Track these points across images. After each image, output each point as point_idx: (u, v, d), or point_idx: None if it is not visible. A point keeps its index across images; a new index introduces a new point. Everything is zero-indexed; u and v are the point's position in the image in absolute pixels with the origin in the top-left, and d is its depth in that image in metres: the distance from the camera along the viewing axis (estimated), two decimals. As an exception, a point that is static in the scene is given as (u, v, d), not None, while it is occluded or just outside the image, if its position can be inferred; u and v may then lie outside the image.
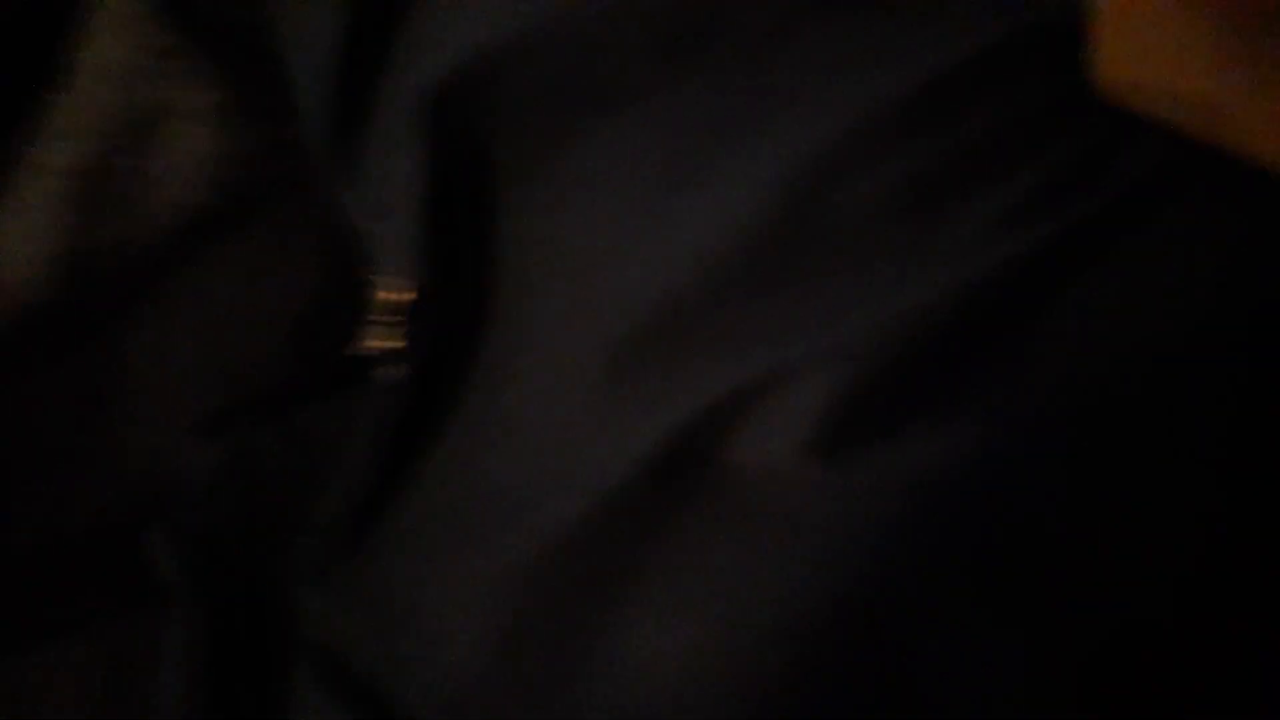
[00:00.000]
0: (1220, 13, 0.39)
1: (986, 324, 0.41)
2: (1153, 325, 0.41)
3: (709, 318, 0.44)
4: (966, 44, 0.45)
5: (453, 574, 0.45)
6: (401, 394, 0.48)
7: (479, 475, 0.47)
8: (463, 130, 0.50)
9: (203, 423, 0.55)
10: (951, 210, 0.43)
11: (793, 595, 0.40)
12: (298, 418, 0.53)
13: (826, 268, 0.44)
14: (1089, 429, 0.40)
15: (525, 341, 0.48)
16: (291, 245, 0.56)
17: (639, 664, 0.41)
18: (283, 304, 0.55)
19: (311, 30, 0.54)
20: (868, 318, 0.42)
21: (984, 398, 0.41)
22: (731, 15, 0.47)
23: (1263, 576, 0.39)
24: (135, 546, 0.51)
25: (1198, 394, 0.40)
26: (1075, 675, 0.39)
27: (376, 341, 0.51)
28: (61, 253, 0.55)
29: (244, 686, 0.48)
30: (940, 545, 0.40)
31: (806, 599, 0.40)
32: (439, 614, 0.45)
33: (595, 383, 0.45)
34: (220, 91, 0.57)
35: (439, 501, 0.47)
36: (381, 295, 0.51)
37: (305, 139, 0.55)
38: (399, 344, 0.50)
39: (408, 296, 0.50)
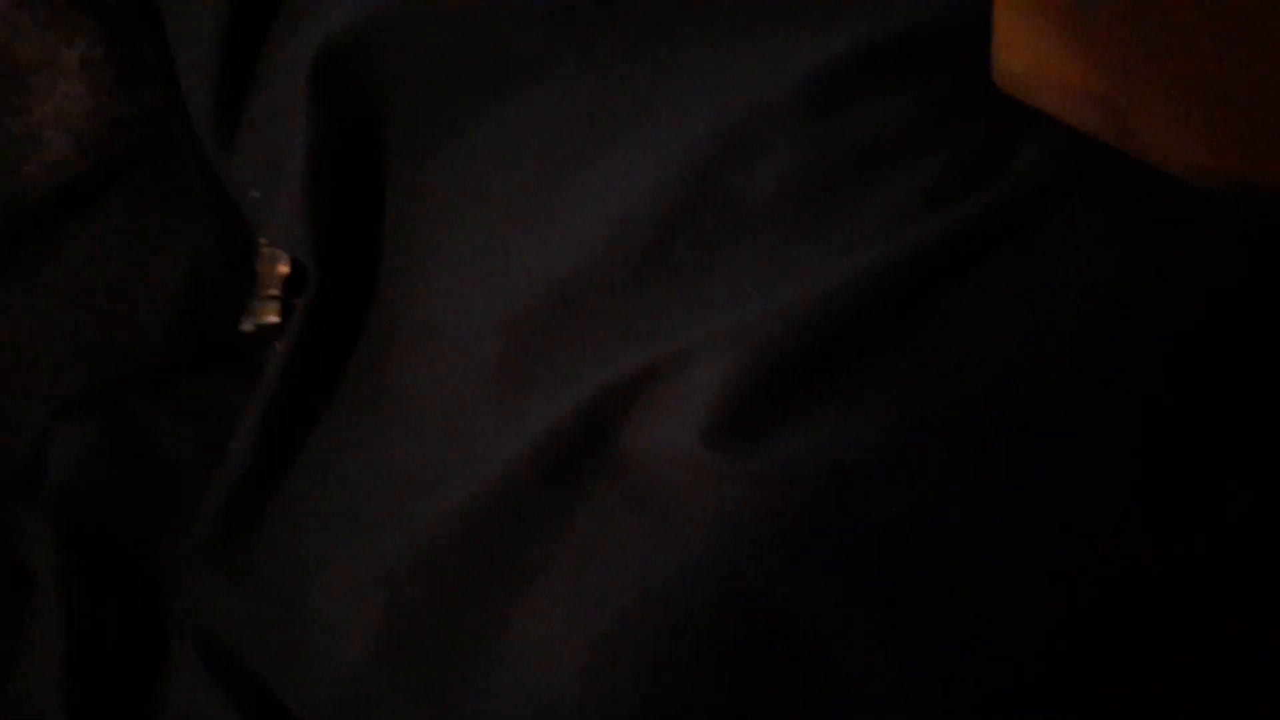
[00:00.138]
0: (1123, 13, 0.39)
1: (885, 313, 0.41)
2: (1049, 317, 0.42)
3: (606, 301, 0.44)
4: (870, 31, 0.45)
5: (344, 560, 0.44)
6: (281, 371, 0.47)
7: (370, 458, 0.46)
8: (352, 99, 0.49)
9: (77, 397, 0.52)
10: (852, 198, 0.43)
11: (694, 583, 0.40)
12: (181, 394, 0.51)
13: (725, 252, 0.43)
14: (983, 421, 0.40)
15: (417, 321, 0.47)
16: (173, 213, 0.54)
17: (540, 656, 0.41)
18: (164, 274, 0.53)
19: None
20: (765, 303, 0.42)
21: (880, 387, 0.41)
22: None
23: (1171, 564, 0.40)
24: (2, 529, 0.49)
25: (1093, 385, 0.41)
26: (953, 675, 0.39)
27: (260, 316, 0.49)
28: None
29: (117, 675, 0.46)
30: (834, 534, 0.40)
31: (707, 587, 0.40)
32: (330, 601, 0.44)
33: (490, 365, 0.45)
34: (95, 47, 0.54)
35: (329, 485, 0.46)
36: (259, 267, 0.49)
37: (187, 102, 0.52)
38: (273, 319, 0.49)
39: (283, 269, 0.49)
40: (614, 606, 0.40)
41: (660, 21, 0.47)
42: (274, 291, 0.49)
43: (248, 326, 0.49)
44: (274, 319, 0.49)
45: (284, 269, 0.49)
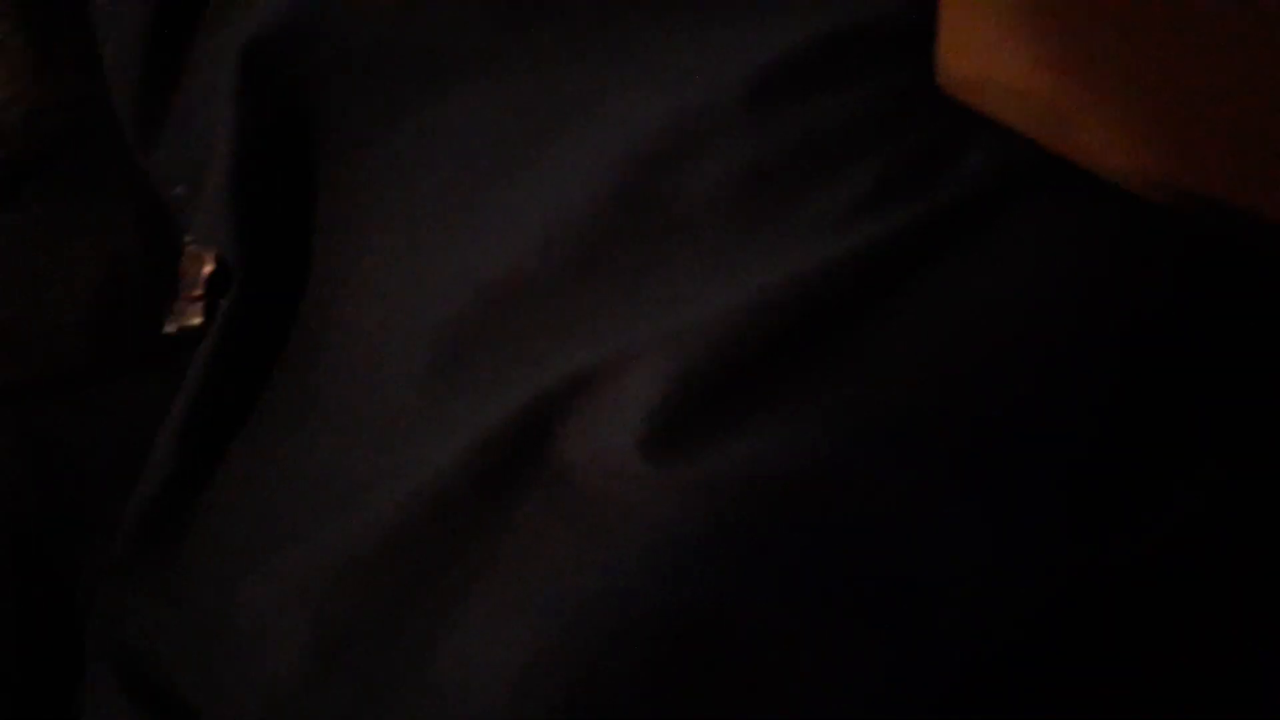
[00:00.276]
0: (1069, 17, 0.39)
1: (825, 317, 0.41)
2: (992, 322, 0.41)
3: (540, 303, 0.43)
4: (811, 30, 0.44)
5: (269, 573, 0.43)
6: (203, 374, 0.45)
7: (296, 466, 0.44)
8: (281, 92, 0.47)
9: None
10: (793, 199, 0.42)
11: (628, 600, 0.39)
12: (97, 398, 0.49)
13: (663, 254, 0.42)
14: (926, 427, 0.40)
15: (346, 323, 0.46)
16: (92, 208, 0.52)
17: (470, 675, 0.40)
18: (81, 271, 0.51)
19: None
20: (704, 307, 0.41)
21: (820, 393, 0.40)
22: None
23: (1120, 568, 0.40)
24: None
25: (1036, 391, 0.40)
26: (898, 684, 0.39)
27: (183, 318, 0.48)
28: None
29: (30, 696, 0.44)
30: (773, 545, 0.39)
31: (641, 603, 0.39)
32: (255, 616, 0.42)
33: (420, 369, 0.43)
34: (14, 33, 0.53)
35: (253, 494, 0.45)
36: (183, 267, 0.48)
37: (110, 92, 0.51)
38: (197, 320, 0.47)
39: (207, 269, 0.47)
40: (545, 624, 0.39)
41: (603, 16, 0.46)
42: (198, 292, 0.47)
43: (170, 328, 0.48)
44: (198, 321, 0.47)
45: (209, 268, 0.47)
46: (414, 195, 0.46)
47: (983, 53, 0.42)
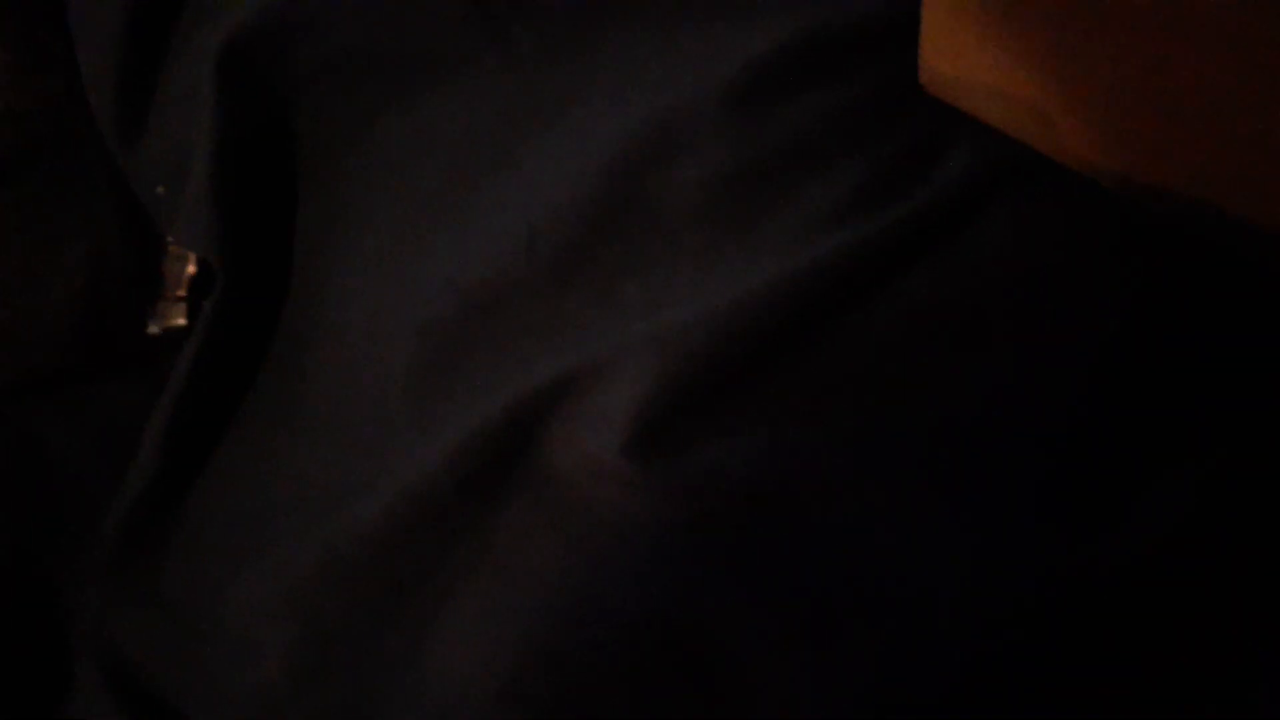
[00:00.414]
0: (1049, 18, 0.39)
1: (806, 321, 0.41)
2: (974, 326, 0.41)
3: (524, 305, 0.43)
4: (790, 31, 0.44)
5: (254, 576, 0.42)
6: (188, 376, 0.45)
7: (280, 469, 0.44)
8: (261, 92, 0.47)
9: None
10: (774, 202, 0.42)
11: (611, 604, 0.39)
12: (80, 400, 0.49)
13: (646, 256, 0.43)
14: (906, 433, 0.40)
15: (328, 325, 0.45)
16: (73, 210, 0.52)
17: (457, 681, 0.39)
18: (63, 273, 0.51)
19: None
20: (685, 311, 0.41)
21: (801, 397, 0.40)
22: None
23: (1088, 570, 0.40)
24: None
25: (1017, 396, 0.40)
26: (872, 692, 0.39)
27: (166, 319, 0.47)
28: None
29: (16, 699, 0.44)
30: (753, 550, 0.39)
31: (624, 608, 0.39)
32: (240, 620, 0.42)
33: (404, 371, 0.43)
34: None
35: (238, 497, 0.44)
36: (166, 268, 0.48)
37: (89, 93, 0.50)
38: (181, 321, 0.47)
39: (190, 270, 0.47)
40: (530, 630, 0.39)
41: (580, 18, 0.46)
42: (181, 293, 0.47)
43: (154, 330, 0.47)
44: (181, 322, 0.47)
45: (191, 270, 0.47)
46: (395, 196, 0.46)
47: (965, 53, 0.42)
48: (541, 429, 0.41)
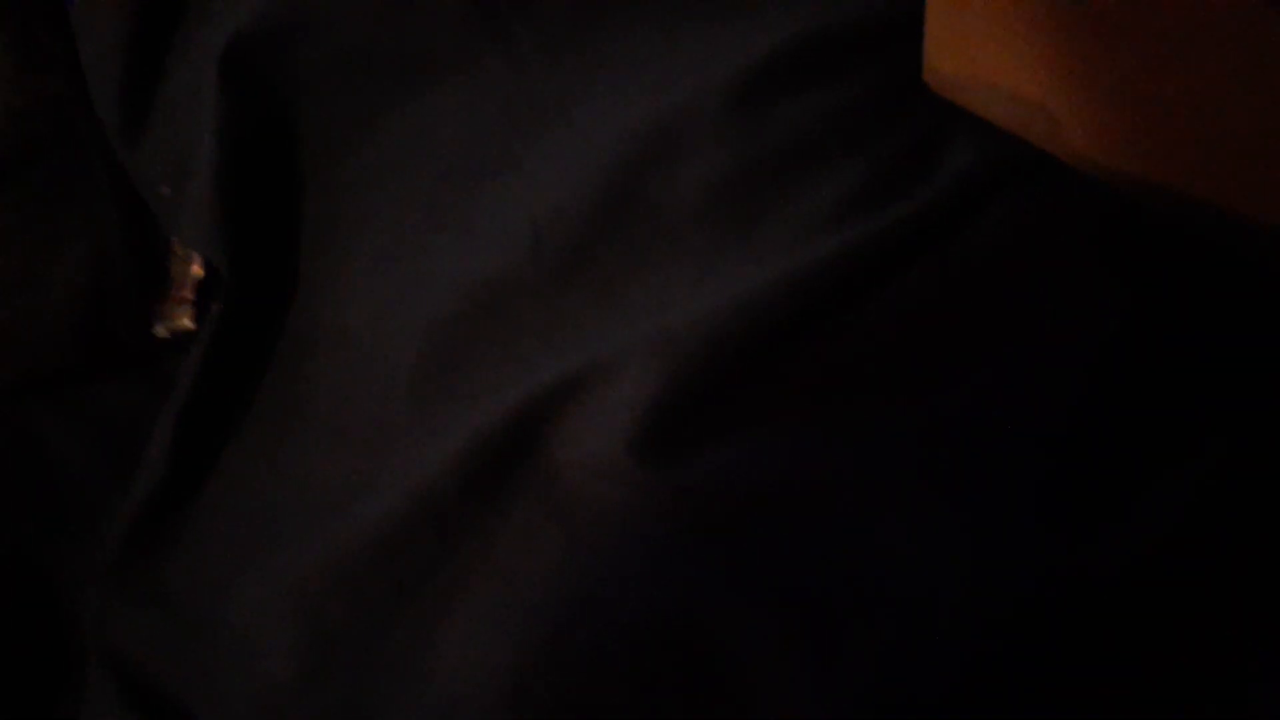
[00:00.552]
0: (1052, 18, 0.39)
1: (809, 318, 0.41)
2: (974, 326, 0.41)
3: (527, 306, 0.43)
4: (791, 31, 0.44)
5: (261, 576, 0.42)
6: (196, 379, 0.45)
7: (286, 469, 0.44)
8: (264, 91, 0.47)
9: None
10: (776, 202, 0.43)
11: (616, 603, 0.39)
12: (81, 400, 0.49)
13: (650, 256, 0.43)
14: (908, 433, 0.40)
15: (334, 326, 0.45)
16: (75, 209, 0.51)
17: (465, 680, 0.39)
18: (64, 272, 0.51)
19: None
20: (690, 310, 0.41)
21: (804, 397, 0.41)
22: None
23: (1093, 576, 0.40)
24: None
25: (1018, 396, 0.41)
26: (872, 690, 0.39)
27: (173, 321, 0.47)
28: None
29: (26, 699, 0.44)
30: (756, 549, 0.39)
31: (629, 607, 0.39)
32: (247, 619, 0.42)
33: (409, 372, 0.43)
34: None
35: (244, 497, 0.44)
36: (171, 269, 0.48)
37: (92, 93, 0.50)
38: (189, 325, 0.47)
39: (196, 271, 0.47)
40: (537, 628, 0.39)
41: (582, 18, 0.46)
42: (187, 295, 0.47)
43: (161, 331, 0.47)
44: (187, 324, 0.47)
45: (198, 271, 0.47)
46: (398, 196, 0.46)
47: (969, 52, 0.42)
48: (546, 429, 0.41)
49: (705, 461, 0.40)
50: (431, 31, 0.47)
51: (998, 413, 0.40)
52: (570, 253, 0.43)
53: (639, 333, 0.41)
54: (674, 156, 0.43)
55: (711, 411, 0.40)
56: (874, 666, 0.38)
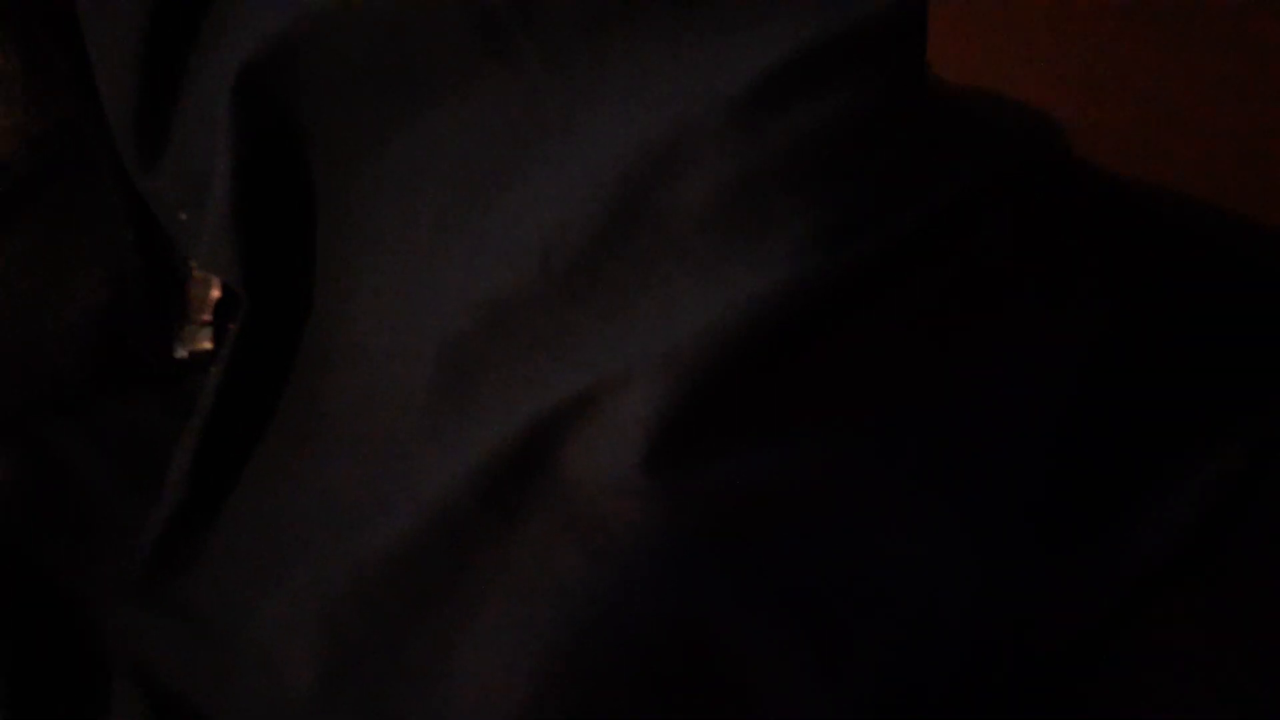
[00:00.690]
0: (1058, 24, 0.39)
1: (815, 329, 0.41)
2: (982, 327, 0.42)
3: (538, 321, 0.43)
4: (795, 41, 0.44)
5: (282, 592, 0.43)
6: (216, 398, 0.46)
7: (305, 487, 0.45)
8: (276, 114, 0.48)
9: (-3, 425, 0.51)
10: (782, 212, 0.43)
11: (631, 615, 0.39)
12: (101, 421, 0.49)
13: (656, 269, 0.43)
14: (917, 441, 0.40)
15: (350, 344, 0.46)
16: (91, 232, 0.52)
17: (482, 692, 0.40)
18: (82, 295, 0.51)
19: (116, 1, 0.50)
20: (697, 323, 0.41)
21: (813, 408, 0.41)
22: (553, 1, 0.46)
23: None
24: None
25: (1022, 404, 0.41)
26: (880, 700, 0.39)
27: (193, 342, 0.48)
28: None
29: (53, 711, 0.45)
30: (767, 561, 0.40)
31: (643, 619, 0.39)
32: (269, 634, 0.43)
33: (425, 389, 0.44)
34: (10, 61, 0.52)
35: (265, 515, 0.45)
36: (190, 292, 0.48)
37: (109, 117, 0.51)
38: (208, 344, 0.47)
39: (215, 294, 0.48)
40: (553, 640, 0.40)
41: (584, 34, 0.46)
42: (206, 317, 0.48)
43: (182, 353, 0.48)
44: (207, 345, 0.47)
45: (216, 293, 0.48)
46: (408, 214, 0.46)
47: (972, 60, 0.43)
48: (560, 445, 0.41)
49: (716, 472, 0.40)
50: (438, 48, 0.47)
51: (1002, 417, 0.41)
52: (578, 267, 0.43)
53: (647, 346, 0.41)
54: (680, 169, 0.43)
55: (721, 422, 0.41)
56: (880, 672, 0.39)
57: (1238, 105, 0.37)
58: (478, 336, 0.43)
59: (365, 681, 0.42)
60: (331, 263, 0.47)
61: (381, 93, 0.47)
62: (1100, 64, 0.39)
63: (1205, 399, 0.40)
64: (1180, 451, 0.40)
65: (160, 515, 0.45)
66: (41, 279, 0.52)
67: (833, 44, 0.45)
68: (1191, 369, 0.41)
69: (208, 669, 0.44)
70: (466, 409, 0.43)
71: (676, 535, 0.40)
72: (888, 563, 0.40)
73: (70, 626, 0.46)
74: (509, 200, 0.45)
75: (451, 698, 0.40)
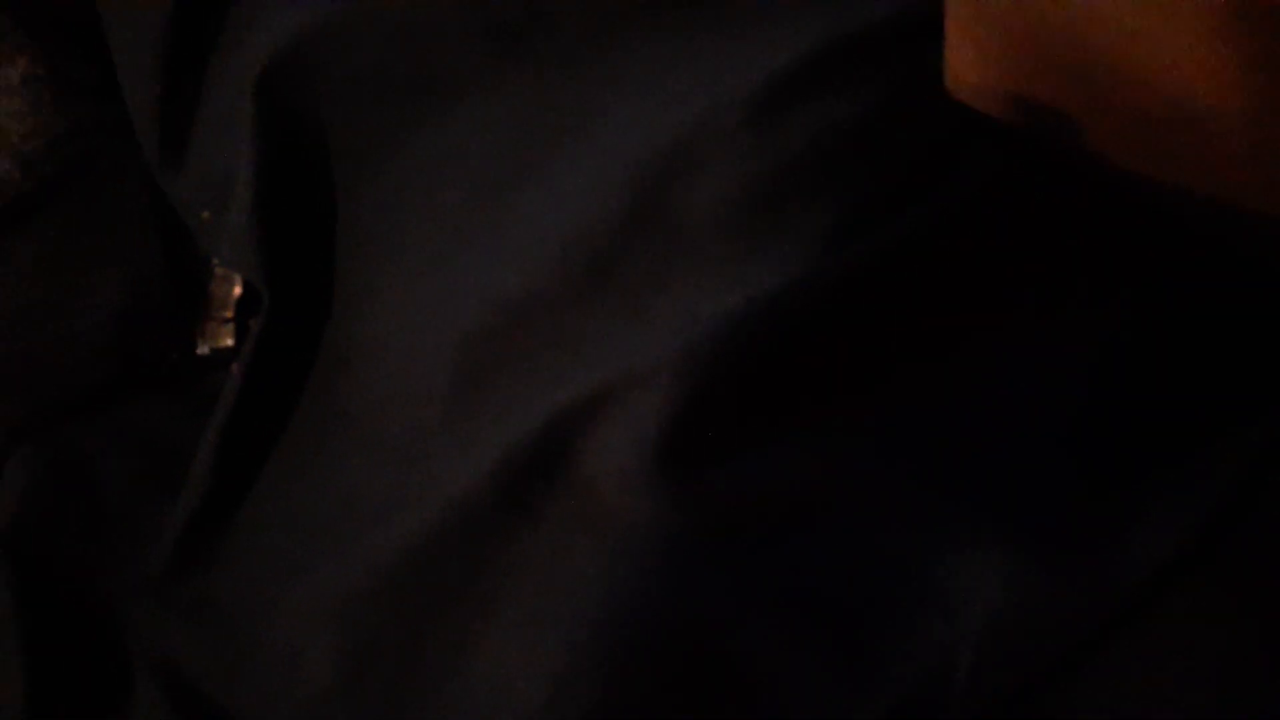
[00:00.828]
0: (1075, 23, 0.39)
1: (831, 325, 0.41)
2: (996, 324, 0.42)
3: (556, 319, 0.44)
4: (809, 41, 0.44)
5: (302, 589, 0.43)
6: (238, 395, 0.46)
7: (326, 484, 0.45)
8: (298, 114, 0.48)
9: (16, 422, 0.51)
10: (798, 210, 0.43)
11: (648, 614, 0.40)
12: (122, 419, 0.50)
13: (671, 268, 0.43)
14: (934, 444, 0.40)
15: (370, 341, 0.46)
16: (113, 232, 0.53)
17: (501, 689, 0.40)
18: (104, 294, 0.52)
19: (137, 2, 0.51)
20: (712, 322, 0.41)
21: (830, 407, 0.41)
22: (565, 2, 0.46)
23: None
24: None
25: (1035, 404, 0.41)
26: (915, 697, 0.39)
27: (215, 339, 0.48)
28: None
29: (81, 710, 0.45)
30: (784, 563, 0.40)
31: (661, 618, 0.39)
32: (289, 631, 0.43)
33: (443, 387, 0.44)
34: (36, 64, 0.53)
35: (286, 512, 0.45)
36: (212, 290, 0.49)
37: (132, 119, 0.51)
38: (229, 341, 0.48)
39: (237, 291, 0.48)
40: (571, 638, 0.40)
41: (599, 34, 0.46)
42: (228, 314, 0.48)
43: (203, 350, 0.49)
44: (229, 343, 0.48)
45: (238, 290, 0.48)
46: (426, 213, 0.47)
47: (989, 59, 0.43)
48: (575, 442, 0.42)
49: (730, 470, 0.40)
50: (452, 51, 0.47)
51: (1007, 417, 0.41)
52: (594, 268, 0.43)
53: (663, 345, 0.41)
54: (695, 168, 0.44)
55: (737, 421, 0.41)
56: (891, 671, 0.39)
57: (1246, 101, 0.37)
58: (495, 335, 0.44)
59: (384, 678, 0.42)
60: (351, 261, 0.48)
61: (399, 94, 0.48)
62: (1120, 67, 0.39)
63: (1207, 399, 0.40)
64: (1183, 452, 0.40)
65: (183, 512, 0.46)
66: (64, 279, 0.52)
67: (846, 45, 0.45)
68: (1194, 369, 0.41)
69: (227, 665, 0.45)
70: (484, 407, 0.44)
71: (690, 533, 0.40)
72: (900, 563, 0.40)
73: (91, 623, 0.47)
74: (526, 200, 0.45)
75: (469, 694, 0.41)
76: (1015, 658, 0.39)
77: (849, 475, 0.40)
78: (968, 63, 0.44)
